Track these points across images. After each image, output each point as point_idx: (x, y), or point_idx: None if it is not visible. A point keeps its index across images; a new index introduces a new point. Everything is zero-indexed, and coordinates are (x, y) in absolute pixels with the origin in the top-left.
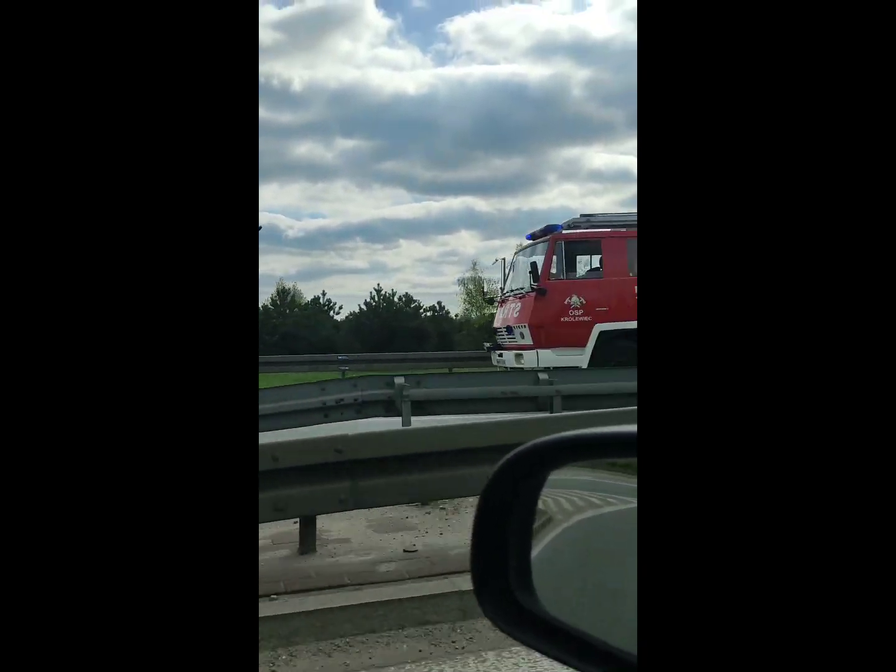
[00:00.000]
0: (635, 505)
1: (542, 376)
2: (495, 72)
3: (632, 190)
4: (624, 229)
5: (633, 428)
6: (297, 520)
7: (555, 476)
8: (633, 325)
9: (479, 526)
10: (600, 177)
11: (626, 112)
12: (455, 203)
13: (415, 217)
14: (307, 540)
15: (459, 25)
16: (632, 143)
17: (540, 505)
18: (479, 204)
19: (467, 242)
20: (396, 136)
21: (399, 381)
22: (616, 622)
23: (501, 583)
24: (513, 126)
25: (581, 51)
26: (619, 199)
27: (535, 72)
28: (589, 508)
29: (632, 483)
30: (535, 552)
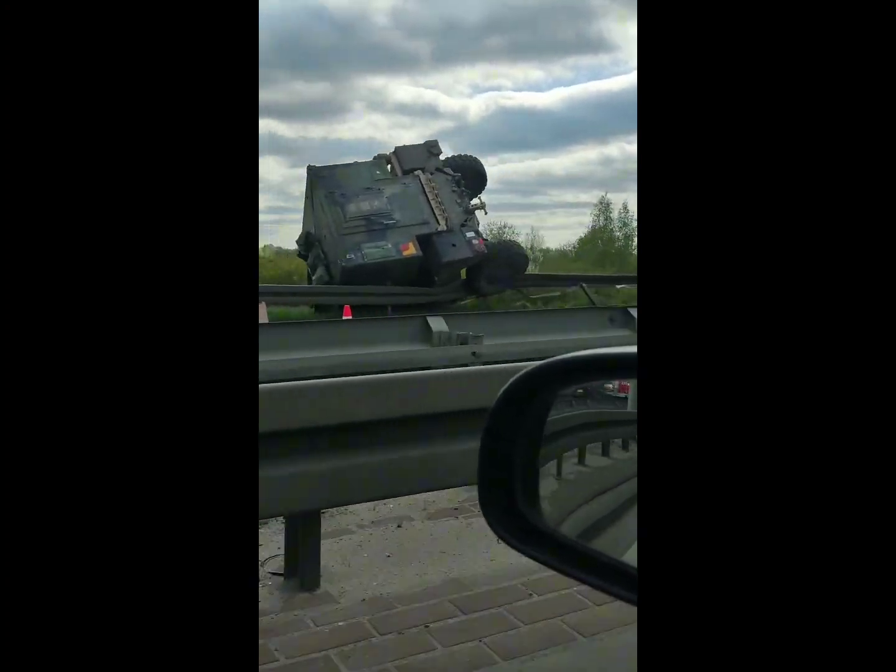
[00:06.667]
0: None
1: None
2: None
3: (438, 125)
4: None
5: (632, 349)
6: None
7: (562, 396)
8: None
9: (486, 446)
10: (406, 110)
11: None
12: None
13: None
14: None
15: None
16: (436, 77)
17: (549, 424)
18: (283, 129)
19: (272, 169)
20: None
21: None
22: (617, 538)
23: (508, 501)
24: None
25: None
26: (427, 134)
27: None
28: (595, 428)
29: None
30: (544, 470)
